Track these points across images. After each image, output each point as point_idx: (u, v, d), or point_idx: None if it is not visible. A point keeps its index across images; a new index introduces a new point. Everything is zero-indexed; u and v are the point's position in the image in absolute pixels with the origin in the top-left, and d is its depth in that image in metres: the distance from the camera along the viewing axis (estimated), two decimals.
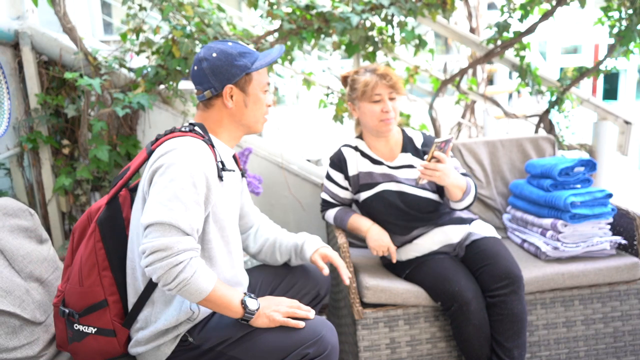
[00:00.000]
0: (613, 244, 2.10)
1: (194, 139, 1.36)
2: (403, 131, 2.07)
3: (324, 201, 2.12)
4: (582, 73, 2.78)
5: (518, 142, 2.55)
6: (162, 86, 2.46)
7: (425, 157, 1.85)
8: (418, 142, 2.05)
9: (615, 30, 2.62)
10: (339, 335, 2.22)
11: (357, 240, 2.39)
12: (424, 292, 1.92)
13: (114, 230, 1.44)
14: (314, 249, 1.64)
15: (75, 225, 1.49)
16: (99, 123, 2.27)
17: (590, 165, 2.17)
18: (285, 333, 1.36)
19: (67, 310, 1.40)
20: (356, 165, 2.03)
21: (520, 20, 2.63)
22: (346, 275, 1.65)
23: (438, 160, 1.76)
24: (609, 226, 2.12)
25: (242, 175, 1.63)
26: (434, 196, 1.99)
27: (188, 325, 1.38)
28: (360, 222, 1.99)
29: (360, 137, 2.09)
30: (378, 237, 1.94)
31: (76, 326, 1.41)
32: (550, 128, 2.92)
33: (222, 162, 1.42)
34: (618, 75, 9.47)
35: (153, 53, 2.42)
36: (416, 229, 2.00)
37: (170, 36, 2.37)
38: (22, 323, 1.43)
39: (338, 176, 2.05)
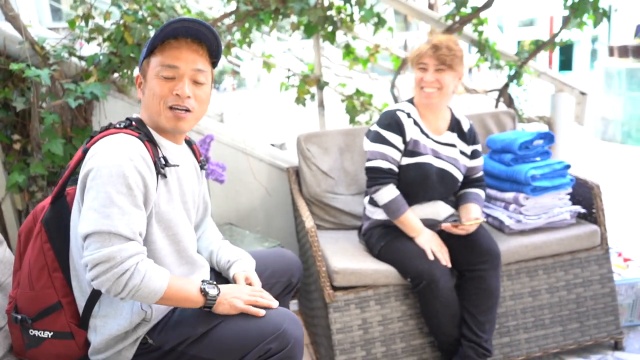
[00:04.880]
0: (573, 214, 2.16)
1: (126, 137, 1.27)
2: (451, 110, 2.11)
3: (379, 170, 1.98)
4: (538, 46, 2.82)
5: (479, 117, 2.58)
6: (115, 74, 2.36)
7: (466, 222, 1.95)
8: (465, 126, 2.10)
9: (569, 3, 2.66)
10: (311, 318, 2.23)
11: (327, 223, 2.38)
12: (393, 271, 1.94)
13: (61, 230, 1.37)
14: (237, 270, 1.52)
15: (21, 227, 1.43)
16: (50, 116, 2.16)
17: (549, 138, 2.22)
18: (245, 329, 1.32)
19: (19, 317, 1.35)
20: (410, 130, 2.01)
21: None
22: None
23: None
24: (568, 196, 2.18)
25: (202, 167, 1.54)
26: (461, 178, 2.08)
27: (146, 327, 1.34)
28: (414, 222, 1.98)
29: (412, 101, 2.08)
30: (429, 240, 1.95)
31: (31, 332, 1.35)
32: (509, 102, 2.96)
33: (164, 158, 1.33)
34: (572, 47, 9.70)
35: (104, 40, 2.31)
36: (427, 201, 2.04)
37: (121, 22, 2.27)
38: None
39: (396, 139, 1.99)
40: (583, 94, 3.05)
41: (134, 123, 1.35)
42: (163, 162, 1.33)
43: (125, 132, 1.30)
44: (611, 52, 6.51)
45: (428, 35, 4.00)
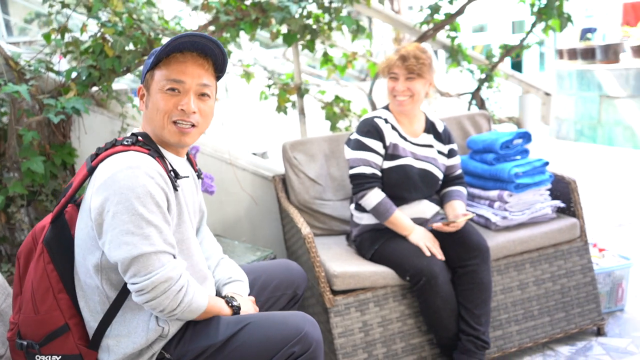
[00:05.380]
0: (554, 208, 2.26)
1: (140, 155, 1.25)
2: (425, 114, 2.19)
3: (363, 176, 2.03)
4: (507, 50, 2.95)
5: (457, 119, 2.66)
6: (95, 88, 2.30)
7: (455, 219, 2.00)
8: (440, 127, 2.19)
9: (536, 8, 2.80)
10: None
11: (316, 229, 2.40)
12: (390, 272, 1.98)
13: (64, 249, 1.33)
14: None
15: (20, 249, 1.38)
16: (29, 133, 2.08)
17: (527, 137, 2.32)
18: (267, 335, 1.32)
19: (25, 343, 1.30)
20: (389, 135, 2.07)
21: (450, 2, 2.73)
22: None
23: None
24: (548, 192, 2.28)
25: (199, 177, 1.54)
26: (442, 177, 2.16)
27: (162, 342, 1.31)
28: (404, 220, 2.02)
29: (387, 108, 2.14)
30: (423, 237, 2.00)
31: (38, 357, 1.31)
32: (481, 104, 3.07)
33: (174, 171, 1.32)
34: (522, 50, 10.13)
35: (82, 53, 2.25)
36: (412, 202, 2.09)
37: (99, 34, 2.22)
38: None
39: (377, 144, 2.05)
40: (547, 94, 3.21)
41: (140, 138, 1.32)
42: (173, 175, 1.32)
43: (135, 149, 1.28)
44: (560, 54, 6.83)
45: (393, 42, 4.10)
